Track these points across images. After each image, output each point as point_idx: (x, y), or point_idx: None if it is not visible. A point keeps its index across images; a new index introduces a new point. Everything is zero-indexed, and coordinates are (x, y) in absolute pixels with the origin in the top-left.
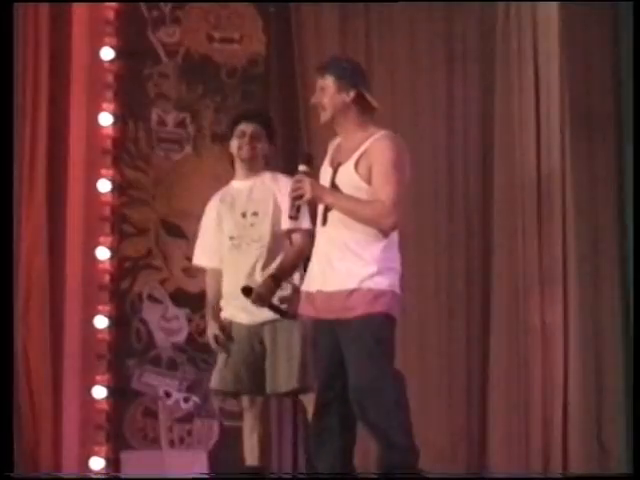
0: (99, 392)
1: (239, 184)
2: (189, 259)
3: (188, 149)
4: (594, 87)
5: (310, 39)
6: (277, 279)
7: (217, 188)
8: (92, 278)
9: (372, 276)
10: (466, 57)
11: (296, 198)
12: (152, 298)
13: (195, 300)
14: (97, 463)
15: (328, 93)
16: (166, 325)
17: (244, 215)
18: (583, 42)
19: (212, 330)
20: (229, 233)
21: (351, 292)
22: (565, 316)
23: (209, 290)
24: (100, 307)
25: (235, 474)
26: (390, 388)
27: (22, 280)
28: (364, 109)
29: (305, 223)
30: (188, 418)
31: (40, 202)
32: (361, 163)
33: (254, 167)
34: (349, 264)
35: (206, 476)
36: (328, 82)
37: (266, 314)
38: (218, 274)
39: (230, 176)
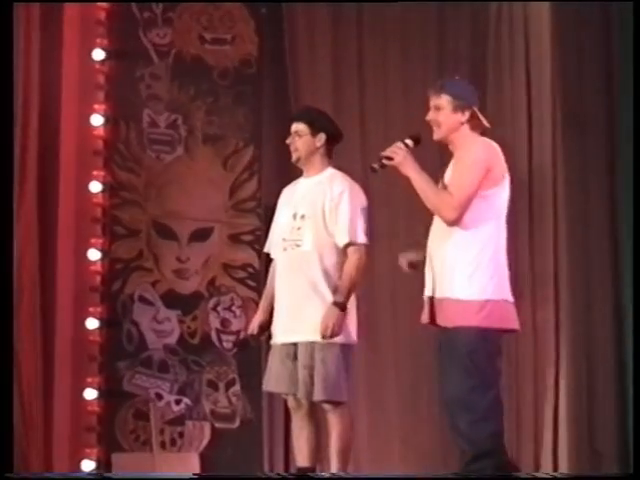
0: (90, 394)
1: (303, 180)
2: (180, 260)
3: (180, 150)
4: (586, 87)
5: (302, 40)
6: (341, 305)
7: (209, 189)
8: (83, 280)
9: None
10: (458, 57)
11: (387, 157)
12: (143, 300)
13: (186, 302)
14: (88, 465)
15: (444, 112)
16: (157, 327)
17: (294, 216)
18: (575, 42)
19: (257, 321)
20: (282, 233)
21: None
22: (556, 317)
23: (268, 279)
24: (91, 309)
25: (226, 475)
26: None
27: (13, 282)
28: (474, 127)
29: (361, 237)
30: (179, 420)
31: (31, 203)
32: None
33: (312, 164)
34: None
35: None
36: (444, 101)
37: (298, 336)
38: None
39: (221, 178)
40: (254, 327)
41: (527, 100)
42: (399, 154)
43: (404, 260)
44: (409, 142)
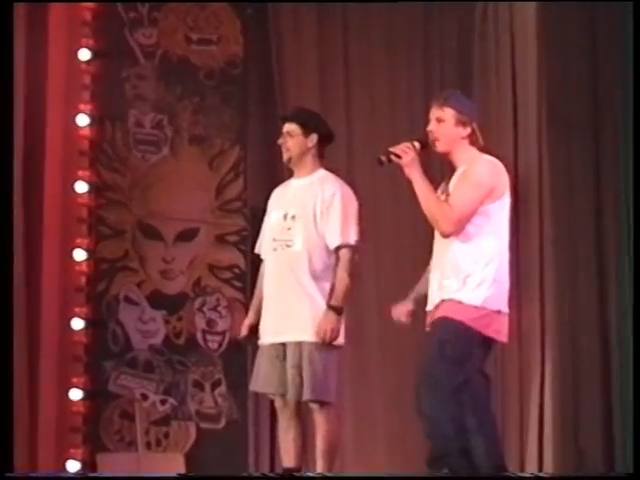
0: (75, 394)
1: (294, 181)
2: (166, 261)
3: (165, 151)
4: (572, 89)
5: (288, 40)
6: (337, 309)
7: (194, 190)
8: (69, 280)
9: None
10: (444, 60)
11: (395, 154)
12: (129, 300)
13: (172, 302)
14: (73, 465)
15: (446, 125)
16: (143, 327)
17: (285, 217)
18: (561, 44)
19: (247, 322)
20: (272, 234)
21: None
22: (542, 319)
23: (258, 281)
24: (77, 309)
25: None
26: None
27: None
28: (473, 142)
29: (353, 239)
30: (165, 420)
31: (17, 203)
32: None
33: (303, 165)
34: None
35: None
36: (447, 114)
37: (287, 337)
38: None
39: (207, 178)
40: (244, 329)
41: (513, 101)
42: (408, 155)
43: (403, 309)
44: (416, 144)
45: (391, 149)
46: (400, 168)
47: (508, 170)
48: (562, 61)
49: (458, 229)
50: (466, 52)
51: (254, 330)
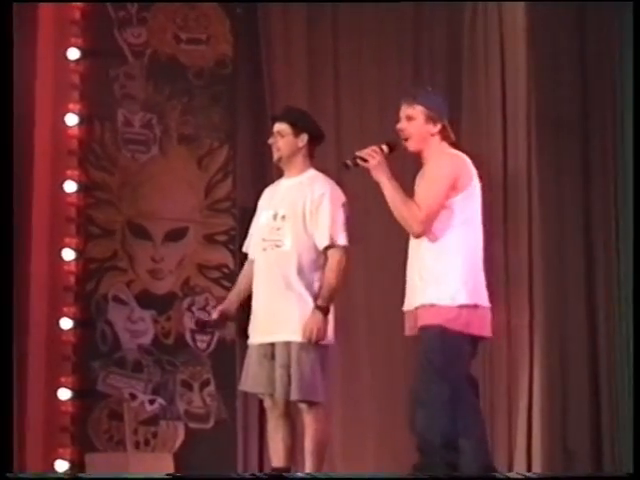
0: (64, 394)
1: (284, 181)
2: (155, 260)
3: (154, 150)
4: (561, 88)
5: (277, 40)
6: (324, 309)
7: (183, 189)
8: (57, 279)
9: (431, 291)
10: (433, 59)
11: (362, 158)
12: (118, 300)
13: (161, 302)
14: (62, 465)
15: (415, 123)
16: (132, 327)
17: (275, 217)
18: (550, 43)
19: (220, 307)
20: (261, 234)
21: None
22: (530, 319)
23: (240, 274)
24: (65, 309)
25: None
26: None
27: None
28: (444, 138)
29: (342, 240)
30: (153, 420)
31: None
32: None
33: (294, 165)
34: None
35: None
36: (417, 112)
37: (275, 337)
38: (253, 264)
39: (196, 178)
40: (215, 313)
41: (502, 101)
42: (375, 158)
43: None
44: (385, 148)
45: (357, 153)
46: (367, 172)
47: (496, 170)
48: (551, 60)
49: (427, 227)
50: (455, 52)
51: (224, 317)
